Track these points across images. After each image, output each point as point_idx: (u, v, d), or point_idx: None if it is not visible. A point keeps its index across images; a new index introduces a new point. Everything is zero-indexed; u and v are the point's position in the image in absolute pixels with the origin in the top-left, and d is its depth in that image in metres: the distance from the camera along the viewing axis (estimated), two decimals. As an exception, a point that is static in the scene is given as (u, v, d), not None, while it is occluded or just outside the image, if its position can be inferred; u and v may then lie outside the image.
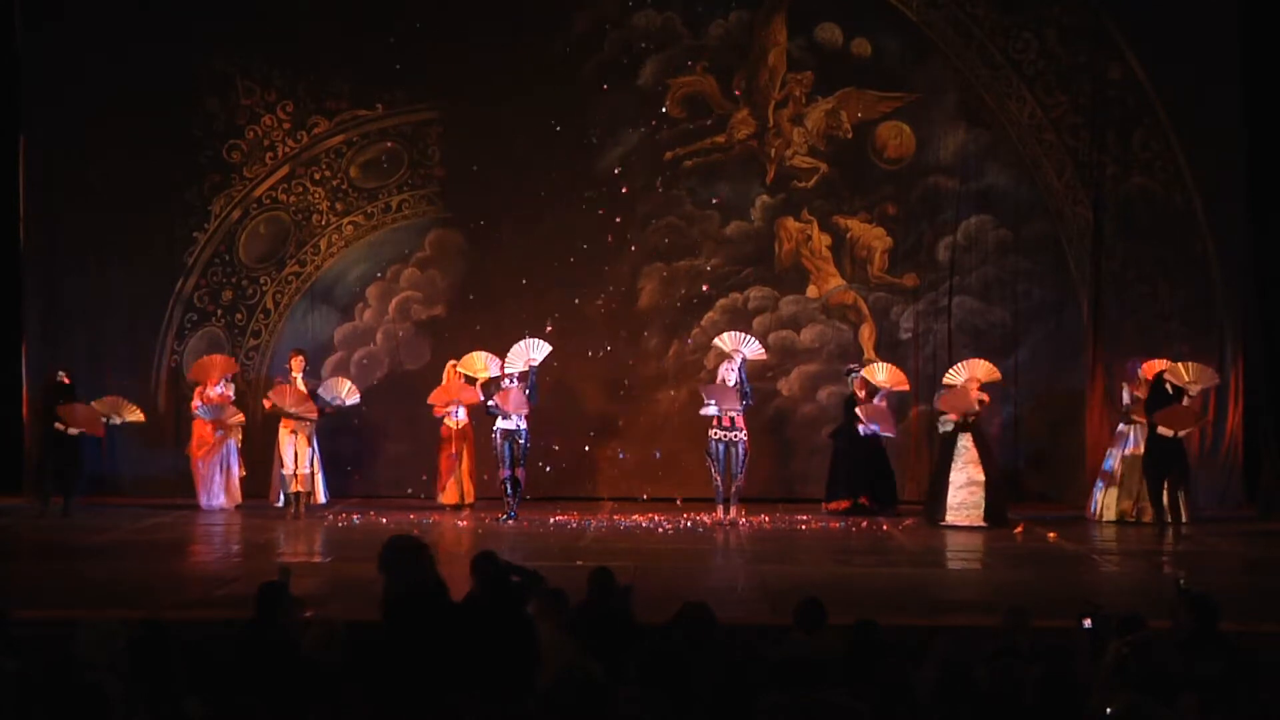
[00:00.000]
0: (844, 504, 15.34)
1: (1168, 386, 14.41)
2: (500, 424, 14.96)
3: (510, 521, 14.71)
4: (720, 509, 14.76)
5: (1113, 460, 15.16)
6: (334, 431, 16.50)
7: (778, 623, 9.56)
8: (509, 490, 14.91)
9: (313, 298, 16.86)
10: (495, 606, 6.99)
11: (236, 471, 15.66)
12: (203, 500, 15.48)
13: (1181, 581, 7.56)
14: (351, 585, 10.84)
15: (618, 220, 16.76)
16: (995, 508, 14.64)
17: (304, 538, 14.12)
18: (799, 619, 7.08)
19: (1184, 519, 14.26)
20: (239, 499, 15.61)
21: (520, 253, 16.73)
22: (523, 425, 14.96)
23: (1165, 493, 14.20)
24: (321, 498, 15.41)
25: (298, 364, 15.49)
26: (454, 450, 15.55)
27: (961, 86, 16.58)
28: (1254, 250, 16.29)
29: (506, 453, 14.92)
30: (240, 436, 15.76)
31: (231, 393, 15.73)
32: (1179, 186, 16.36)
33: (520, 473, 14.95)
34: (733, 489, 14.84)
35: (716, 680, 6.07)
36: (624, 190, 16.73)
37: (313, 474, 15.29)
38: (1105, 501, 15.11)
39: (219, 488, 15.53)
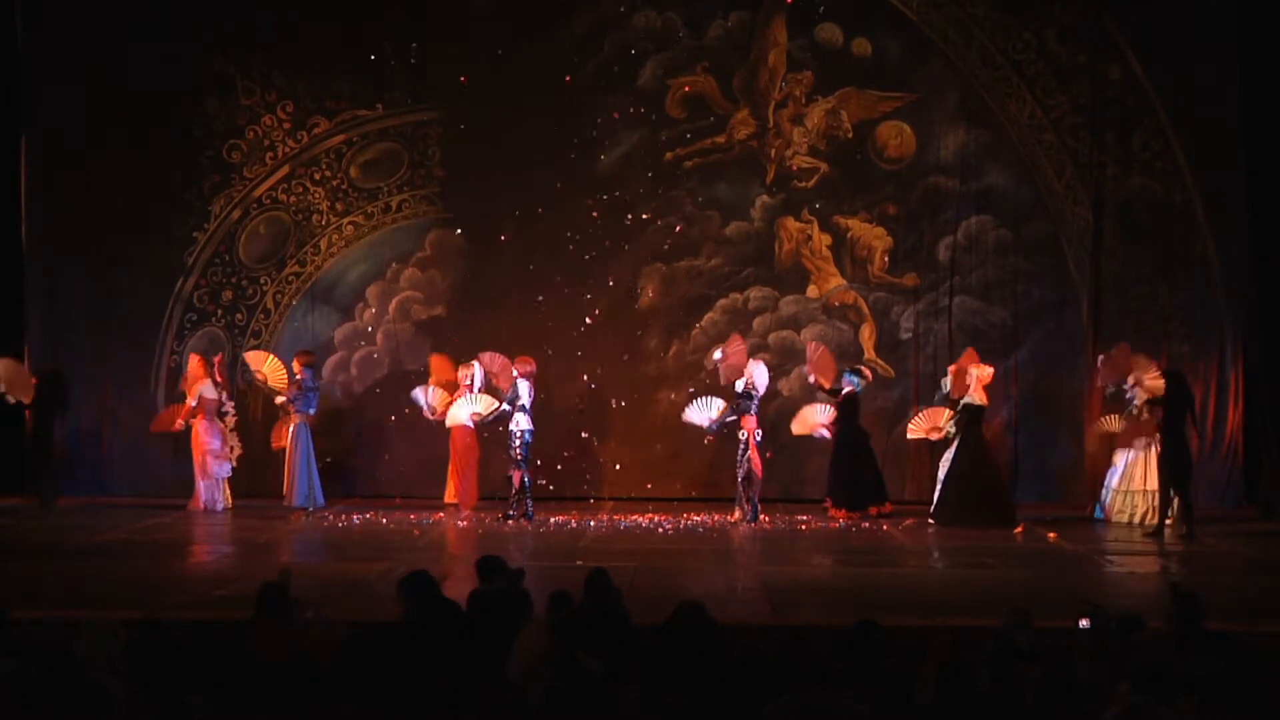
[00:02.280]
0: (850, 514, 15.26)
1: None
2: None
3: (510, 521, 14.70)
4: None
5: (1125, 460, 15.14)
6: (335, 432, 16.54)
7: (778, 623, 9.60)
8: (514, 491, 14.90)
9: (313, 298, 16.86)
10: (430, 629, 6.91)
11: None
12: (211, 501, 15.41)
13: (1173, 580, 7.58)
14: (351, 585, 10.85)
15: (617, 220, 16.76)
16: (941, 507, 14.76)
17: (302, 538, 14.11)
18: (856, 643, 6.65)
19: (1171, 521, 14.24)
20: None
21: (520, 253, 16.72)
22: (521, 427, 14.89)
23: (1176, 495, 14.19)
24: (296, 500, 15.32)
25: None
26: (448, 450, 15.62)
27: (961, 86, 16.58)
28: (1254, 250, 16.28)
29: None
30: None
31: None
32: (1179, 186, 16.36)
33: (518, 475, 14.89)
34: (739, 488, 14.93)
35: (716, 680, 6.08)
36: (624, 191, 16.73)
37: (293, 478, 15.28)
38: (1118, 505, 15.11)
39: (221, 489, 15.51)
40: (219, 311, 16.77)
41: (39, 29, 16.54)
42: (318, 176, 16.82)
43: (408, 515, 15.10)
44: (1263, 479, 15.94)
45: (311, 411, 15.40)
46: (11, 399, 15.36)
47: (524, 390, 14.87)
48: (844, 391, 15.27)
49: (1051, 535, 14.02)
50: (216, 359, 15.79)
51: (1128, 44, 16.31)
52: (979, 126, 16.62)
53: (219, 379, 15.60)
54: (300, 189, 16.81)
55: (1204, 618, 7.14)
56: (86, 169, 16.60)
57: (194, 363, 15.66)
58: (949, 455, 14.97)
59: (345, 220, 16.86)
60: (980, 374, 15.03)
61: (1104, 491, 15.28)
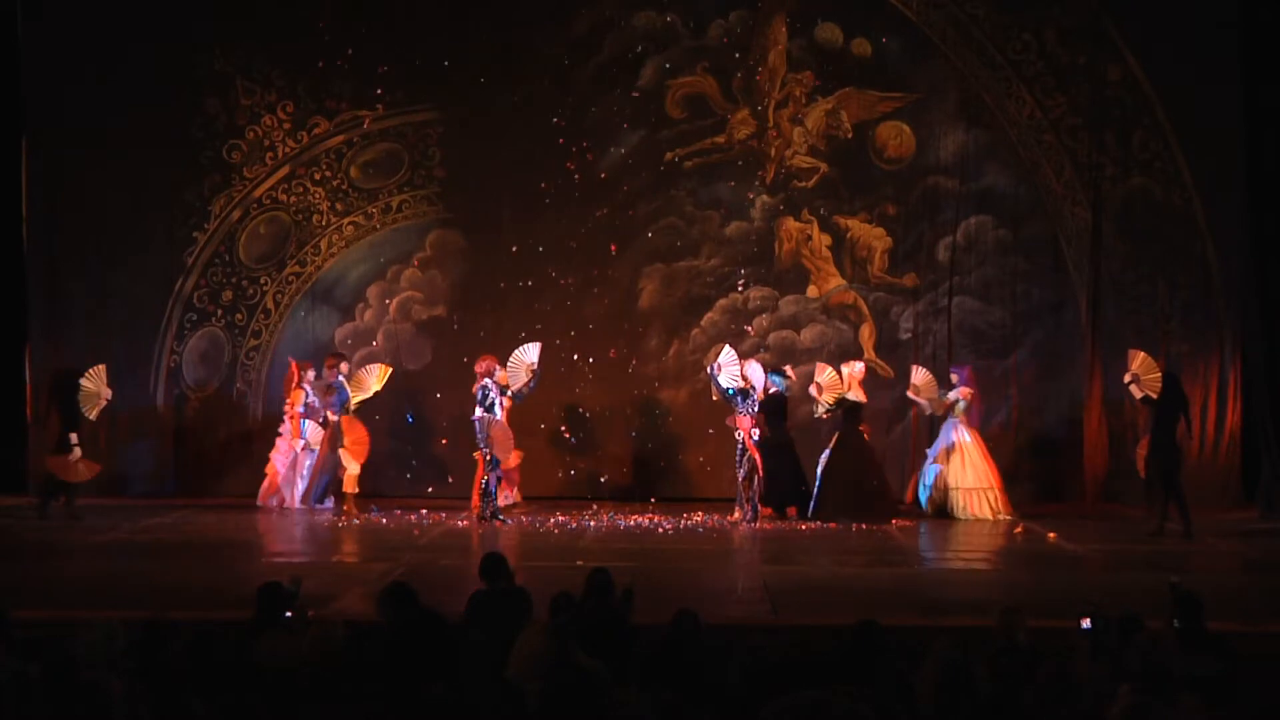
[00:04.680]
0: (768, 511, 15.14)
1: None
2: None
3: (498, 522, 14.62)
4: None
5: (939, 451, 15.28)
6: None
7: (778, 623, 9.60)
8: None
9: (313, 298, 16.86)
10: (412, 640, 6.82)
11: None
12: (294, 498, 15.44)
13: (1174, 581, 7.57)
14: (352, 585, 10.85)
15: (618, 221, 16.77)
16: (820, 504, 14.78)
17: (302, 538, 14.10)
18: (856, 643, 6.71)
19: (1170, 518, 14.21)
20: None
21: (520, 253, 16.72)
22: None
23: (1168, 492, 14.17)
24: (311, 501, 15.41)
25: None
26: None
27: (961, 86, 16.59)
28: (1254, 250, 16.28)
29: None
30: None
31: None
32: (1178, 187, 16.36)
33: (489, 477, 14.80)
34: (739, 488, 14.87)
35: (715, 681, 6.08)
36: (624, 190, 16.74)
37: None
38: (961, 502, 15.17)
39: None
40: (219, 311, 16.77)
41: (40, 29, 16.53)
42: (318, 177, 16.82)
43: (408, 515, 15.10)
44: (1263, 479, 15.93)
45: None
46: (100, 406, 15.24)
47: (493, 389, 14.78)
48: (770, 392, 15.19)
49: (1051, 535, 14.01)
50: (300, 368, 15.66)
51: (1127, 44, 16.31)
52: (978, 127, 16.62)
53: (308, 385, 15.49)
54: (300, 189, 16.82)
55: (1204, 617, 7.14)
56: (86, 169, 16.60)
57: (292, 368, 15.70)
58: (827, 452, 14.93)
59: (345, 220, 16.87)
60: (852, 371, 15.06)
61: (923, 487, 15.35)
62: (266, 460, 15.67)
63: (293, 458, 15.45)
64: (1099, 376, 16.19)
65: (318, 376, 15.51)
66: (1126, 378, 14.70)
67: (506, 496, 15.35)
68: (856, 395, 15.04)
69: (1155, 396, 14.34)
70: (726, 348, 15.19)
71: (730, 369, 14.85)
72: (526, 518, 14.95)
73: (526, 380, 14.93)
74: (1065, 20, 16.45)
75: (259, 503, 15.48)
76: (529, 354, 15.02)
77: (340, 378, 15.32)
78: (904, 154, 16.72)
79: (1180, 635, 7.04)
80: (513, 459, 15.23)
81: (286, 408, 15.61)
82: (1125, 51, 16.32)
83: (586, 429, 16.76)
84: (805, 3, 16.67)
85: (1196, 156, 16.29)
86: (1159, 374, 14.51)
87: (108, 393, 15.23)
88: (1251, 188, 16.23)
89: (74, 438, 14.85)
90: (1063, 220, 16.55)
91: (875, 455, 15.36)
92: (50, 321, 16.68)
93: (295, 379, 15.53)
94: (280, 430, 15.66)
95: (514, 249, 16.70)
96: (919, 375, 15.62)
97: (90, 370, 15.22)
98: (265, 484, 15.58)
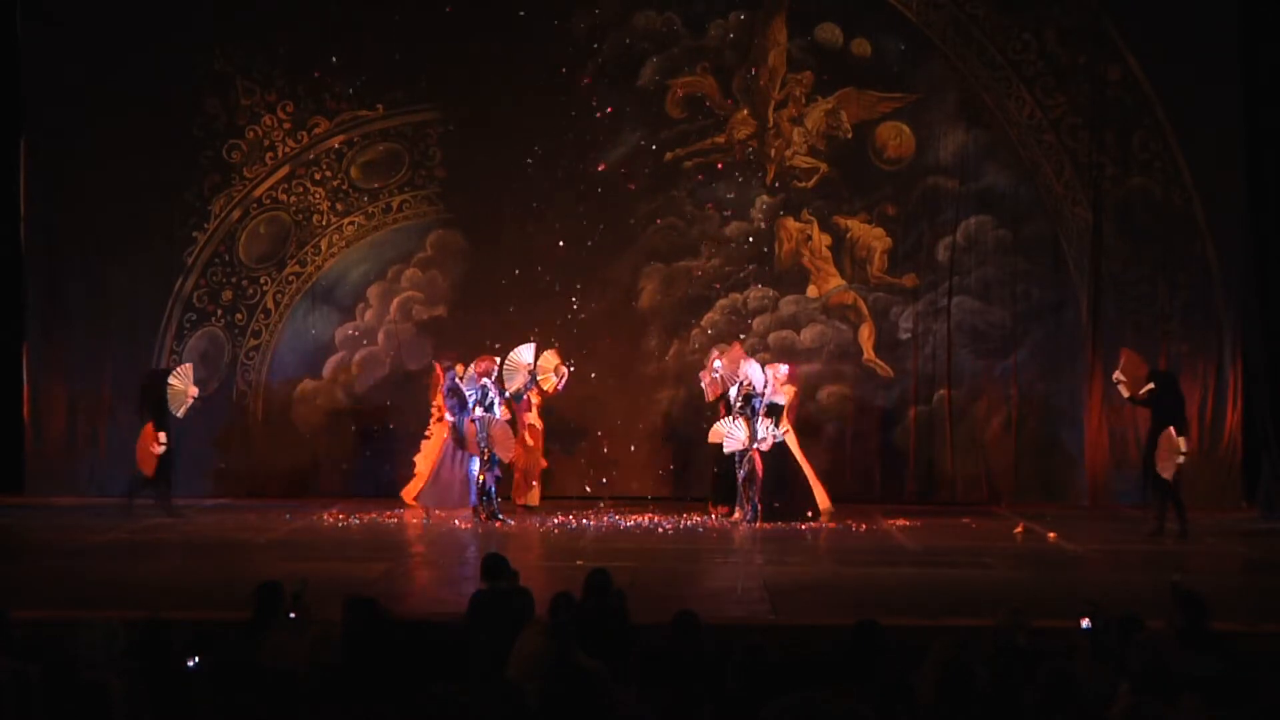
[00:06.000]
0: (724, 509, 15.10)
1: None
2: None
3: (497, 522, 14.61)
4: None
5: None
6: (336, 432, 16.56)
7: (778, 623, 9.60)
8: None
9: (313, 298, 16.86)
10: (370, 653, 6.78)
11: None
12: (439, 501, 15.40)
13: (1175, 580, 7.58)
14: (351, 585, 10.84)
15: (618, 220, 16.77)
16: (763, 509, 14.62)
17: (301, 538, 14.09)
18: (856, 643, 6.79)
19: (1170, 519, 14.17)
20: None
21: (521, 253, 16.73)
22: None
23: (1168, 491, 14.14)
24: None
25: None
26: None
27: (961, 86, 16.59)
28: (1254, 250, 16.29)
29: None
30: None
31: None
32: (1178, 187, 16.37)
33: (490, 477, 14.82)
34: (740, 488, 14.84)
35: (715, 681, 6.08)
36: (624, 190, 16.74)
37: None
38: None
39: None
40: (219, 311, 16.77)
41: (39, 30, 16.53)
42: (318, 177, 16.82)
43: (408, 515, 15.09)
44: (1263, 479, 15.93)
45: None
46: (187, 405, 15.15)
47: (491, 390, 14.78)
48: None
49: (1051, 535, 14.01)
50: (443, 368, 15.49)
51: (1127, 44, 16.32)
52: (978, 126, 16.63)
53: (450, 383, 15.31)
54: (300, 189, 16.82)
55: (1207, 616, 7.13)
56: (86, 169, 16.60)
57: (437, 371, 15.61)
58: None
59: (346, 220, 16.87)
60: (776, 374, 14.95)
61: None
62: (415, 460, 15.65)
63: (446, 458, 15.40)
64: (1099, 376, 16.19)
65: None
66: (1116, 375, 14.68)
67: (525, 496, 15.46)
68: (782, 396, 14.93)
69: (1142, 395, 14.28)
70: (753, 365, 14.83)
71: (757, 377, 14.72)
72: (532, 519, 14.94)
73: (524, 381, 14.98)
74: (1065, 20, 16.46)
75: (409, 501, 15.41)
76: (524, 355, 15.05)
77: (456, 380, 15.12)
78: (904, 154, 16.73)
79: (1181, 635, 7.04)
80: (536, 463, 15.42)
81: (435, 410, 15.55)
82: (1125, 51, 16.32)
83: (586, 429, 16.76)
84: (805, 3, 16.68)
85: (1196, 156, 16.30)
86: (1145, 370, 14.43)
87: (194, 390, 15.16)
88: (1251, 188, 16.24)
89: (162, 437, 14.70)
90: (1063, 220, 16.56)
91: (794, 456, 15.15)
92: (50, 321, 16.68)
93: (441, 381, 15.46)
94: (427, 433, 15.64)
95: (514, 249, 16.70)
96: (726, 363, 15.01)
97: (178, 369, 15.21)
98: (412, 483, 15.53)
